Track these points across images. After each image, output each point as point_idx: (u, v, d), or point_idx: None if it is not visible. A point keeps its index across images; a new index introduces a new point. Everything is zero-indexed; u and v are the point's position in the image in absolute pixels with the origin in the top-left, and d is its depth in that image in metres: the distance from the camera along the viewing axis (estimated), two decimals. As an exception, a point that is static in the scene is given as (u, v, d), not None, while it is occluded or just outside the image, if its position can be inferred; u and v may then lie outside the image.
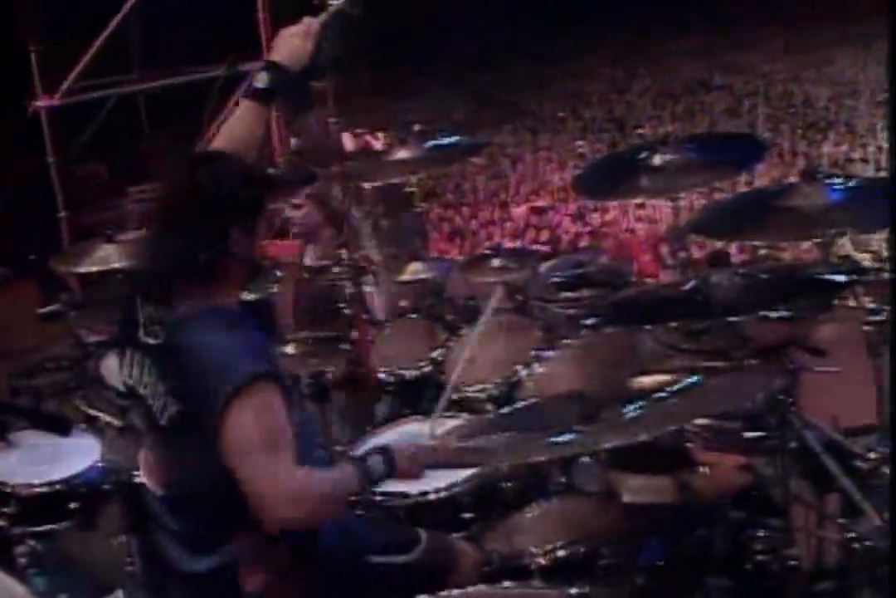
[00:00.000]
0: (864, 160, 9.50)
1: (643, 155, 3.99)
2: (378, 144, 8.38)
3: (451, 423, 3.86)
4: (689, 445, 3.12)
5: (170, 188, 3.09)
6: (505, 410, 3.44)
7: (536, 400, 3.21)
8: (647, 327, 3.13)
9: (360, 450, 3.71)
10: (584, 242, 8.77)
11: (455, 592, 3.00)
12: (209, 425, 2.82)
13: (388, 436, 4.02)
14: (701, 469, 3.17)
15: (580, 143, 11.99)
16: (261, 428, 2.81)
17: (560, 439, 2.47)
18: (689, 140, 4.10)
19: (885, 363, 3.41)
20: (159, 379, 2.95)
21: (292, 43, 3.49)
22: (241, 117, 3.42)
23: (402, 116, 13.22)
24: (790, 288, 2.99)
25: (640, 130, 11.90)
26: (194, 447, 2.92)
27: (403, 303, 4.92)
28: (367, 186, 6.07)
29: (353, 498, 3.48)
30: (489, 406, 4.00)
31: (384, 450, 2.99)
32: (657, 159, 3.95)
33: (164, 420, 2.95)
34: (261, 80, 3.42)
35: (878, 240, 6.92)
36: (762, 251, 5.86)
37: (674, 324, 3.02)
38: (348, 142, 8.72)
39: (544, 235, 9.25)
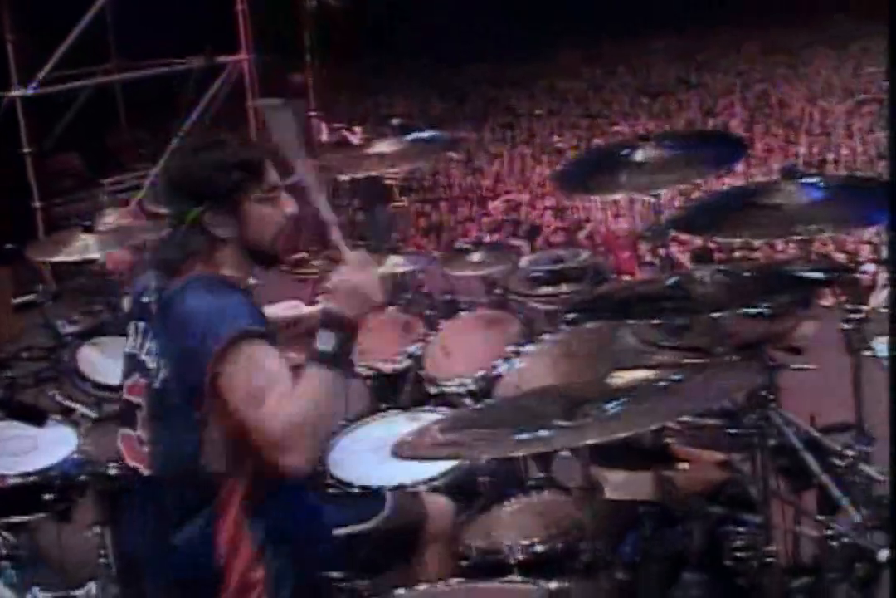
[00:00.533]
0: (837, 161, 9.54)
1: (624, 151, 4.01)
2: (355, 138, 8.38)
3: (429, 417, 3.89)
4: (668, 441, 3.13)
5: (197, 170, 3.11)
6: (484, 404, 3.44)
7: (516, 395, 3.20)
8: (628, 322, 3.12)
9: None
10: (561, 238, 8.81)
11: (433, 586, 3.00)
12: (196, 386, 2.91)
13: (366, 430, 4.02)
14: (680, 465, 3.18)
15: (557, 138, 12.01)
16: (248, 379, 2.88)
17: (540, 434, 2.45)
18: (670, 137, 4.12)
19: (861, 361, 3.44)
20: (156, 343, 3.07)
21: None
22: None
23: (379, 110, 13.22)
24: (771, 285, 2.99)
25: (616, 127, 11.98)
26: (182, 411, 2.99)
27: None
28: (344, 178, 6.08)
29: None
30: (467, 401, 3.99)
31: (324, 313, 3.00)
32: (638, 155, 3.97)
33: (157, 383, 3.05)
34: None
35: (854, 240, 6.97)
36: (736, 253, 5.91)
37: (654, 320, 3.02)
38: (324, 134, 8.72)
39: (521, 230, 9.27)
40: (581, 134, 12.09)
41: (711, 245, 3.80)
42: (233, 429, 2.93)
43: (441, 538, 3.34)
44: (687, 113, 12.47)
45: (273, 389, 2.87)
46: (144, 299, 3.16)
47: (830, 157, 9.74)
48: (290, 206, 3.14)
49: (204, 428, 2.98)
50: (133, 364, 3.19)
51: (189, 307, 2.99)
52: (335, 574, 3.18)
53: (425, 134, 4.80)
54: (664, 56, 15.33)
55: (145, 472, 3.15)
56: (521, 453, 3.06)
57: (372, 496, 3.41)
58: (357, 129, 8.54)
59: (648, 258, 7.66)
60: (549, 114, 13.23)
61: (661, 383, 2.59)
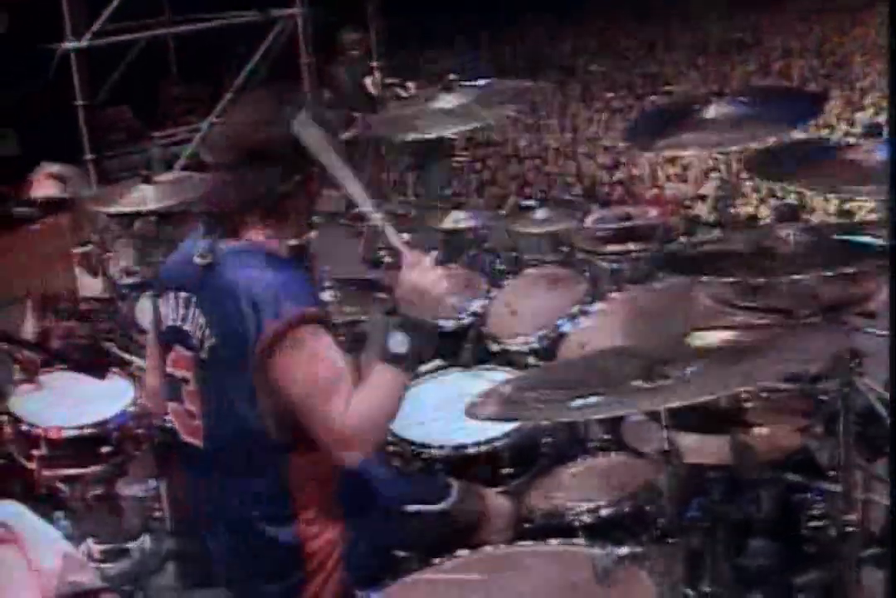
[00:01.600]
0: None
1: (696, 107, 3.91)
2: (405, 94, 8.28)
3: (491, 375, 3.83)
4: (746, 404, 3.04)
5: (262, 122, 3.02)
6: (557, 363, 3.37)
7: (590, 354, 3.12)
8: (703, 280, 3.02)
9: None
10: (616, 195, 8.72)
11: (495, 548, 2.93)
12: (246, 359, 2.84)
13: (426, 387, 3.97)
14: (757, 430, 3.09)
15: (610, 94, 11.89)
16: (312, 373, 2.84)
17: (620, 396, 2.38)
18: (743, 93, 4.00)
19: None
20: (202, 311, 2.96)
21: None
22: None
23: (431, 66, 13.11)
24: (854, 248, 2.89)
25: (669, 87, 11.83)
26: (232, 381, 2.91)
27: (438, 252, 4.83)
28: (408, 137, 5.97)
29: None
30: (531, 360, 3.92)
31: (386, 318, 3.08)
32: (710, 112, 3.87)
33: (203, 353, 2.95)
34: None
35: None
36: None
37: (733, 279, 2.92)
38: (375, 89, 8.64)
39: (576, 188, 9.18)
40: (637, 93, 11.94)
41: (795, 203, 3.69)
42: (285, 409, 2.88)
43: (498, 539, 3.17)
44: (742, 72, 12.29)
45: (339, 387, 2.84)
46: (196, 262, 3.00)
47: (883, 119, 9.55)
48: None
49: (257, 398, 2.90)
50: (174, 336, 3.05)
51: (245, 276, 2.91)
52: (402, 553, 3.10)
53: (486, 82, 4.65)
54: (718, 13, 15.11)
55: (200, 445, 3.06)
56: (600, 416, 2.97)
57: (438, 480, 3.32)
58: (410, 84, 8.44)
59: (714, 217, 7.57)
60: (603, 72, 13.08)
61: (744, 345, 2.50)
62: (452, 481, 3.27)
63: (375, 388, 2.88)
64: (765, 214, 6.74)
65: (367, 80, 8.69)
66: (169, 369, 3.10)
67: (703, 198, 8.38)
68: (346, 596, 2.99)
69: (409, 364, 2.91)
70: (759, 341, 2.55)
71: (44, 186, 5.05)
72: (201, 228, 3.07)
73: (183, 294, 3.02)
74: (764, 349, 2.48)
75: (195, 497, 3.29)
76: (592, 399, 2.39)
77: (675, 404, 2.24)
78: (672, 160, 9.11)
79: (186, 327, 3.00)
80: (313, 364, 2.84)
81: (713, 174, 8.61)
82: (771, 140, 3.82)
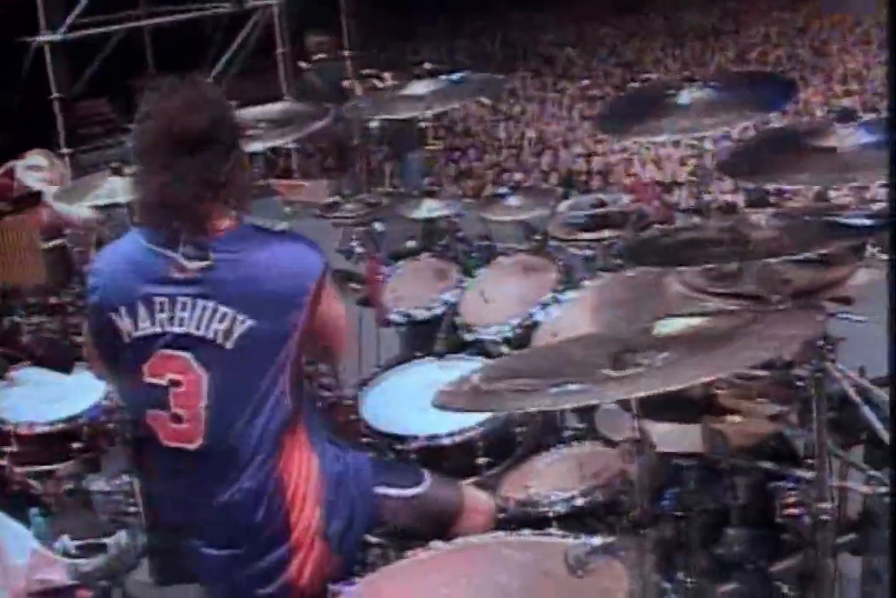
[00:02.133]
0: (874, 110, 9.33)
1: (669, 93, 3.88)
2: (381, 85, 8.24)
3: (464, 365, 3.80)
4: (718, 391, 3.01)
5: (180, 113, 2.99)
6: (527, 352, 3.35)
7: (559, 342, 3.10)
8: (677, 268, 3.00)
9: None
10: (593, 184, 8.70)
11: (470, 538, 2.90)
12: (288, 326, 2.96)
13: (399, 378, 3.94)
14: (729, 418, 3.07)
15: (585, 82, 11.86)
16: (340, 308, 3.16)
17: (590, 386, 2.35)
18: (716, 78, 3.98)
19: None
20: (219, 304, 2.94)
21: None
22: None
23: (406, 57, 13.07)
24: (827, 231, 2.86)
25: (646, 75, 11.80)
26: (267, 360, 2.97)
27: (413, 243, 4.80)
28: (373, 124, 5.97)
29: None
30: (504, 349, 3.89)
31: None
32: (683, 97, 3.84)
33: (230, 343, 2.94)
34: None
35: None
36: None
37: (706, 266, 2.89)
38: (356, 87, 8.59)
39: (553, 177, 9.16)
40: (614, 82, 11.92)
41: (767, 188, 3.67)
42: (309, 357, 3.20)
43: (476, 533, 3.19)
44: (721, 60, 12.28)
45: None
46: (186, 266, 2.99)
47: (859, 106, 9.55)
48: None
49: (282, 373, 2.98)
50: (150, 344, 3.00)
51: (262, 253, 3.00)
52: (372, 539, 3.13)
53: (460, 75, 4.67)
54: (696, 1, 15.10)
55: (191, 446, 3.02)
56: (569, 406, 2.94)
57: (412, 469, 3.34)
58: (387, 74, 8.40)
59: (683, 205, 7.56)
60: (580, 58, 13.06)
61: (715, 333, 2.47)
62: (425, 471, 3.26)
63: None
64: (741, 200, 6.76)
65: (346, 83, 8.66)
66: (149, 379, 3.03)
67: (679, 185, 8.38)
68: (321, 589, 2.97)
69: None
70: (731, 327, 2.51)
71: (24, 178, 5.00)
72: (145, 234, 3.06)
73: (160, 299, 2.98)
74: (736, 336, 2.45)
75: (175, 497, 3.23)
76: (562, 389, 2.36)
77: (645, 392, 2.21)
78: (648, 148, 9.10)
79: (179, 329, 2.97)
80: (339, 303, 3.15)
81: (689, 162, 8.61)
82: (742, 125, 3.79)
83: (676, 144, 8.78)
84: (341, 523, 3.04)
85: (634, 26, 14.55)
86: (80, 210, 4.75)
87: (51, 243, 4.74)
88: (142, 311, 2.99)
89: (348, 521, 3.05)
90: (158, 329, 2.98)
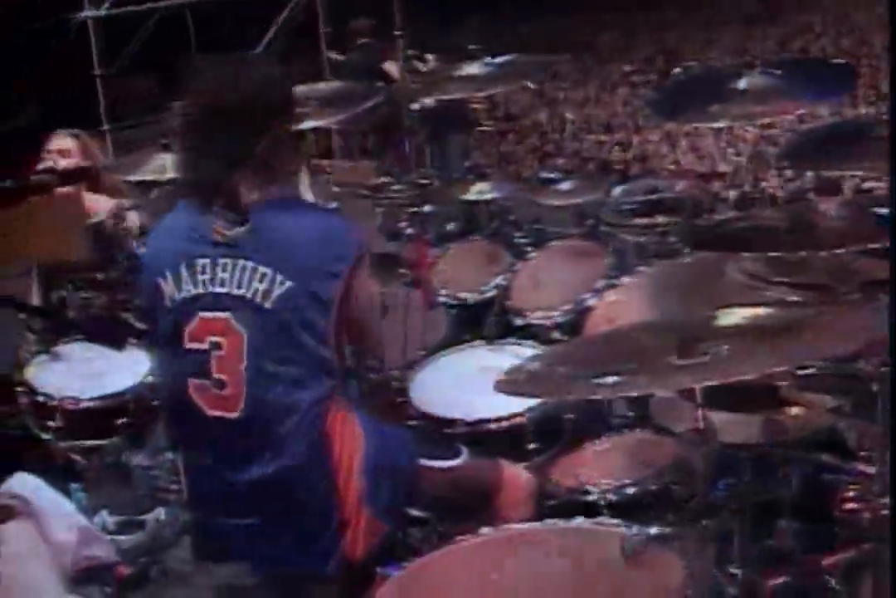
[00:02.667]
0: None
1: (727, 78, 3.82)
2: (425, 67, 8.19)
3: (513, 349, 3.78)
4: (779, 383, 2.97)
5: (213, 90, 3.09)
6: (588, 337, 3.31)
7: (619, 329, 3.06)
8: (743, 255, 2.94)
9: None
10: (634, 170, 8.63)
11: (521, 525, 2.87)
12: (328, 291, 2.99)
13: (447, 361, 3.92)
14: (789, 409, 3.02)
15: (627, 68, 11.78)
16: (374, 287, 3.23)
17: (651, 375, 2.31)
18: (776, 64, 3.91)
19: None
20: (259, 264, 2.99)
21: None
22: None
23: (448, 40, 13.00)
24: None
25: (688, 62, 11.70)
26: (309, 317, 2.99)
27: (453, 225, 4.78)
28: (414, 106, 5.93)
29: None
30: (555, 334, 3.87)
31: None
32: (742, 83, 3.78)
33: (269, 303, 2.98)
34: None
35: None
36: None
37: (773, 254, 2.84)
38: (395, 69, 8.55)
39: (592, 164, 9.10)
40: (657, 68, 11.84)
41: (835, 177, 3.61)
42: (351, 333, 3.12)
43: (516, 510, 3.20)
44: (762, 48, 12.16)
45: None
46: (225, 232, 3.05)
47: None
48: None
49: (322, 343, 3.01)
50: (193, 306, 3.05)
51: (304, 218, 3.09)
52: (417, 513, 3.17)
53: (510, 57, 4.62)
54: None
55: (233, 415, 3.03)
56: (634, 394, 2.91)
57: (450, 445, 3.33)
58: (429, 56, 8.35)
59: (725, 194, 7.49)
60: (624, 45, 12.98)
61: (781, 324, 2.42)
62: (462, 446, 3.28)
63: None
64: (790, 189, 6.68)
65: (388, 65, 8.61)
66: (190, 344, 3.06)
67: (721, 175, 8.30)
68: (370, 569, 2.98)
69: None
70: (797, 319, 2.47)
71: (63, 154, 4.99)
72: (188, 205, 3.13)
73: (202, 261, 3.03)
74: (803, 328, 2.40)
75: (217, 472, 3.24)
76: (626, 377, 2.32)
77: (714, 382, 2.17)
78: (689, 135, 9.03)
79: (220, 289, 3.02)
80: (373, 283, 3.24)
81: (730, 150, 8.54)
82: (799, 113, 3.72)
83: (719, 132, 8.71)
84: (386, 493, 3.05)
85: (675, 12, 14.43)
86: (103, 200, 4.76)
87: (97, 219, 4.72)
88: (185, 273, 3.05)
89: (392, 491, 3.06)
90: (200, 290, 3.04)
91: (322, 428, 3.00)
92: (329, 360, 3.02)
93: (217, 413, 3.05)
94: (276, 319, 2.98)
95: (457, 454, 3.21)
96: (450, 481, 3.16)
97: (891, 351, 1.77)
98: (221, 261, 3.01)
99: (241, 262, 3.00)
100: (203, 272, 3.03)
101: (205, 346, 3.04)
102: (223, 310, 3.02)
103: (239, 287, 2.99)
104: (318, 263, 3.00)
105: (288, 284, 2.97)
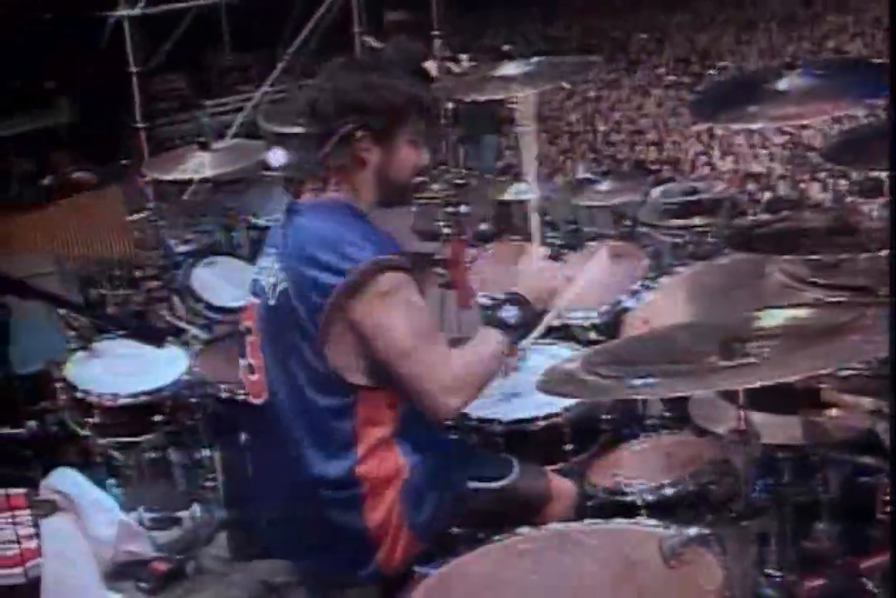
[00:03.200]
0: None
1: (767, 79, 3.80)
2: (458, 68, 8.18)
3: (552, 350, 3.76)
4: (820, 384, 2.96)
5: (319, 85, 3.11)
6: (630, 338, 3.30)
7: (660, 330, 3.05)
8: (784, 257, 2.94)
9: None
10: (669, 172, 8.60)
11: (560, 525, 2.87)
12: (317, 303, 2.87)
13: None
14: (829, 411, 3.01)
15: (662, 70, 11.74)
16: (408, 321, 2.88)
17: (694, 376, 2.31)
18: (817, 65, 3.89)
19: None
20: (280, 262, 3.01)
21: (540, 282, 3.20)
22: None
23: (480, 41, 12.99)
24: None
25: (722, 63, 11.67)
26: (301, 329, 2.92)
27: (486, 225, 4.77)
28: (449, 105, 5.92)
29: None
30: (592, 335, 3.86)
31: (512, 295, 3.11)
32: (782, 84, 3.76)
33: (273, 299, 3.00)
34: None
35: None
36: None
37: (815, 255, 2.83)
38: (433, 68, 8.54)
39: (626, 165, 9.08)
40: (691, 69, 11.80)
41: (879, 178, 3.59)
42: (364, 353, 2.91)
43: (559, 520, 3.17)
44: (797, 49, 12.11)
45: (438, 335, 2.95)
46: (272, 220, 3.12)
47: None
48: (425, 156, 3.13)
49: (326, 341, 2.91)
50: (251, 289, 3.15)
51: (321, 226, 2.98)
52: (457, 530, 3.12)
53: (550, 58, 4.61)
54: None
55: (258, 401, 3.07)
56: (676, 395, 2.90)
57: (500, 457, 3.27)
58: (463, 56, 8.34)
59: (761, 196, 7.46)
60: (655, 47, 12.94)
61: (825, 325, 2.41)
62: (513, 459, 3.22)
63: (482, 344, 3.01)
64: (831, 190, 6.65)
65: (429, 64, 8.59)
66: (240, 325, 3.18)
67: (755, 176, 8.27)
68: (408, 570, 2.98)
69: (514, 335, 3.06)
70: (839, 321, 2.45)
71: None
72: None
73: (271, 250, 3.11)
74: (846, 330, 2.39)
75: (252, 463, 3.27)
76: (666, 378, 2.32)
77: (758, 383, 2.16)
78: (724, 136, 9.00)
79: (262, 278, 3.07)
80: (412, 312, 2.90)
81: (767, 151, 8.51)
82: (840, 114, 3.70)
83: (751, 134, 8.67)
84: (428, 515, 3.02)
85: (709, 13, 14.38)
86: None
87: (136, 216, 4.75)
88: (261, 258, 3.16)
89: (435, 515, 3.03)
90: (254, 275, 3.13)
91: (346, 439, 2.95)
92: (332, 374, 2.92)
93: (250, 399, 3.12)
94: (276, 316, 3.01)
95: (507, 471, 3.15)
96: (498, 499, 3.12)
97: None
98: (277, 251, 3.07)
99: (272, 255, 3.07)
100: (263, 260, 3.12)
101: (243, 328, 3.15)
102: (256, 296, 3.10)
103: (262, 276, 3.07)
104: (309, 275, 2.91)
105: (284, 284, 2.98)
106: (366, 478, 2.96)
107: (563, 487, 3.26)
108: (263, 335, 3.06)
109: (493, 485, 3.12)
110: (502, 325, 3.03)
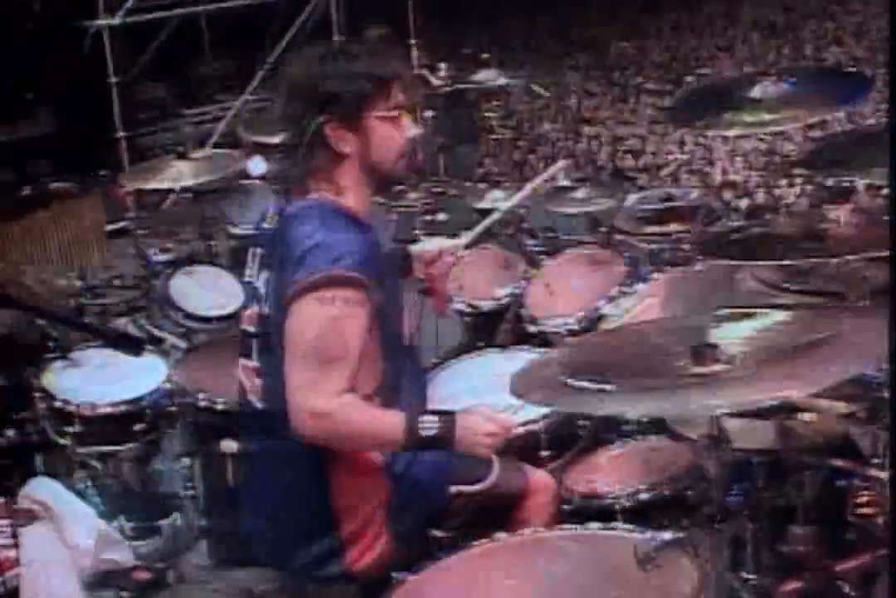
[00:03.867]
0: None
1: (742, 86, 3.84)
2: (435, 78, 8.19)
3: (527, 356, 3.78)
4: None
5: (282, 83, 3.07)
6: (597, 339, 3.31)
7: (633, 328, 3.07)
8: (757, 263, 2.96)
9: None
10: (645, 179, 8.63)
11: (536, 531, 2.89)
12: (276, 314, 2.89)
13: (461, 367, 3.92)
14: (802, 415, 3.04)
15: (640, 80, 11.76)
16: (323, 334, 2.81)
17: (670, 391, 2.32)
18: (790, 72, 3.93)
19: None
20: (268, 267, 3.00)
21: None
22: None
23: (458, 49, 12.97)
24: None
25: (702, 71, 11.69)
26: (273, 334, 2.94)
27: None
28: (428, 114, 5.94)
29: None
30: (568, 341, 3.87)
31: (446, 415, 2.94)
32: (756, 91, 3.80)
33: (266, 307, 2.99)
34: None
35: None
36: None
37: (785, 261, 2.85)
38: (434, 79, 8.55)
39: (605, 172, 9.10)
40: (670, 77, 11.82)
41: (847, 184, 3.62)
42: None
43: (540, 514, 3.18)
44: (775, 57, 12.14)
45: (343, 366, 2.83)
46: (264, 224, 3.10)
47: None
48: (412, 128, 3.04)
49: None
50: (250, 292, 3.12)
51: (299, 232, 2.92)
52: (437, 532, 3.12)
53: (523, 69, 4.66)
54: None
55: (259, 405, 3.07)
56: (655, 413, 2.90)
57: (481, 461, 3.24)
58: (441, 65, 8.36)
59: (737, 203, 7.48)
60: (634, 55, 12.98)
61: (800, 340, 2.40)
62: (494, 457, 3.19)
63: (373, 420, 2.91)
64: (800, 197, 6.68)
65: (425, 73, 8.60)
66: (242, 325, 3.15)
67: (732, 184, 8.29)
68: (384, 575, 2.97)
69: (417, 447, 2.92)
70: (816, 337, 2.43)
71: None
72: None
73: (259, 251, 3.09)
74: (822, 346, 2.37)
75: (243, 469, 3.28)
76: (644, 394, 2.32)
77: (732, 401, 2.16)
78: (700, 144, 9.03)
79: (256, 283, 3.06)
80: (331, 327, 2.82)
81: (742, 159, 8.53)
82: (813, 120, 3.73)
83: (725, 140, 8.69)
84: (409, 523, 3.05)
85: (688, 21, 14.42)
86: None
87: (114, 226, 4.76)
88: (250, 259, 3.13)
89: (416, 521, 3.06)
90: (251, 279, 3.11)
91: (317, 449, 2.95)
92: None
93: (251, 399, 3.10)
94: (262, 318, 3.01)
95: (488, 471, 3.14)
96: (480, 499, 3.13)
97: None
98: (264, 255, 3.06)
99: (265, 265, 3.04)
100: (254, 262, 3.12)
101: (250, 331, 3.10)
102: (257, 303, 3.06)
103: (255, 279, 3.07)
104: (284, 284, 2.90)
105: (262, 289, 3.01)
106: (331, 473, 2.99)
107: (541, 480, 3.27)
108: (261, 342, 3.05)
109: (475, 488, 3.12)
110: (411, 428, 2.88)
